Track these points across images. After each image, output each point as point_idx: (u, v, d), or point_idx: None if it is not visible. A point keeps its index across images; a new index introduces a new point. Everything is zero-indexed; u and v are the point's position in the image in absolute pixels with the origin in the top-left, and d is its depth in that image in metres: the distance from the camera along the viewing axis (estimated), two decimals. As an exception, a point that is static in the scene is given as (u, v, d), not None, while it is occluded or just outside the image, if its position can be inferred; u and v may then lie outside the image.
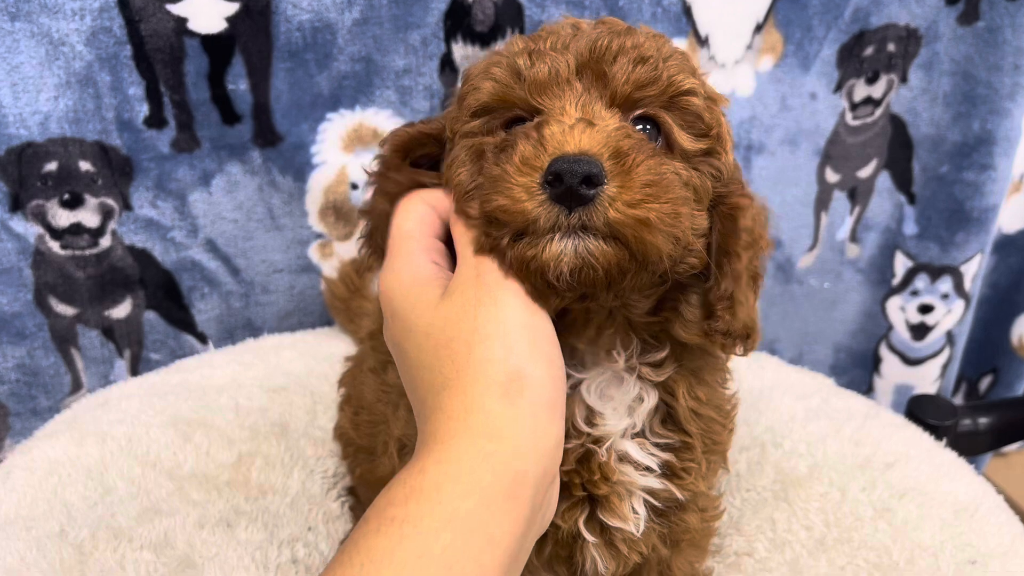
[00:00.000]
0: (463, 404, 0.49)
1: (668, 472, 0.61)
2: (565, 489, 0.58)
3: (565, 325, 0.57)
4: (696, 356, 0.62)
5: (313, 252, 1.09)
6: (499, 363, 0.50)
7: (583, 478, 0.59)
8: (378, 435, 0.74)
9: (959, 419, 1.09)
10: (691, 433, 0.61)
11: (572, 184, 0.48)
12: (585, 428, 0.59)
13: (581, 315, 0.58)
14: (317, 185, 1.04)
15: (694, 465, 0.61)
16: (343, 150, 1.03)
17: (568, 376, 0.57)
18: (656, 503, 0.61)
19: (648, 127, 0.55)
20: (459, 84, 0.60)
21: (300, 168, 1.02)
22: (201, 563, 0.76)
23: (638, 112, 0.55)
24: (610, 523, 0.60)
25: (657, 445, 0.60)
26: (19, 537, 0.75)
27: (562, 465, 0.56)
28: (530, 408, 0.49)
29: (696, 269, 0.57)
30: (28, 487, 0.81)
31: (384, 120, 1.02)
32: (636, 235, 0.50)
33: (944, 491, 0.84)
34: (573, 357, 0.59)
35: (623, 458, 0.60)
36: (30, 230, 0.97)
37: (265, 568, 0.79)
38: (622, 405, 0.59)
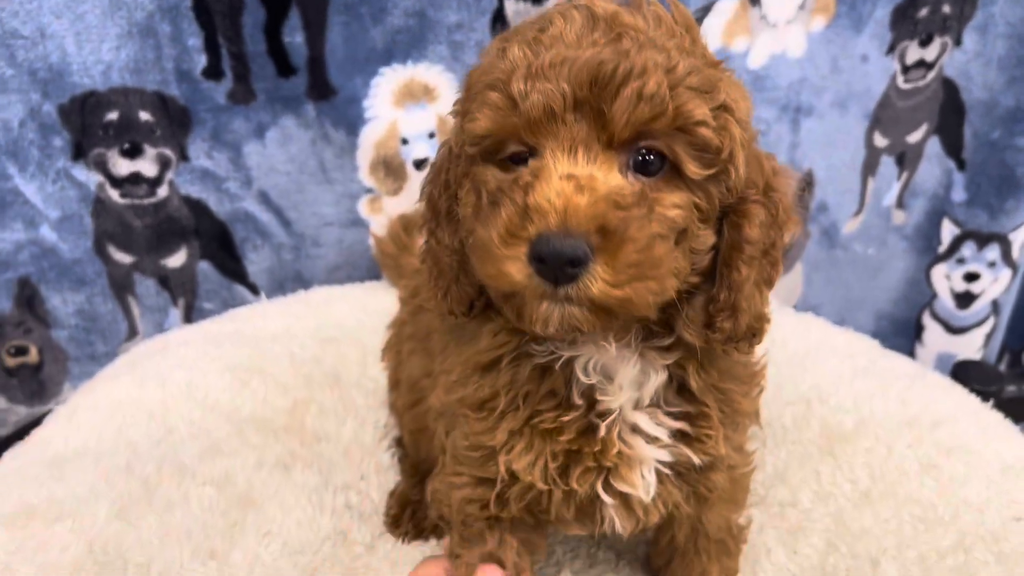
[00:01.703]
0: None
1: (686, 439, 0.61)
2: (577, 457, 0.59)
3: None
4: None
5: (363, 206, 1.10)
6: None
7: (591, 448, 0.60)
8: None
9: (1004, 385, 1.09)
10: (707, 403, 0.61)
11: (556, 265, 0.48)
12: (579, 402, 0.59)
13: None
14: (368, 140, 1.05)
15: (712, 432, 0.61)
16: (394, 105, 1.04)
17: (553, 351, 0.58)
18: (667, 470, 0.62)
19: (652, 156, 0.52)
20: (462, 89, 0.57)
21: (352, 122, 1.03)
22: (261, 501, 0.79)
23: (642, 144, 0.51)
24: (620, 489, 0.61)
25: (671, 415, 0.61)
26: (88, 470, 0.78)
27: (564, 435, 0.58)
28: None
29: (698, 283, 0.56)
30: (93, 425, 0.84)
31: (436, 75, 1.03)
32: (621, 307, 0.50)
33: (991, 450, 0.84)
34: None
35: (634, 429, 0.60)
36: (91, 178, 0.99)
37: (321, 510, 0.81)
38: (625, 381, 0.59)
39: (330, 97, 1.01)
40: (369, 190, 1.09)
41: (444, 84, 1.04)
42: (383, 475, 0.88)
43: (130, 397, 0.87)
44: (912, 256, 1.32)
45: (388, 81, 1.02)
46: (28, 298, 1.04)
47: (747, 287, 0.56)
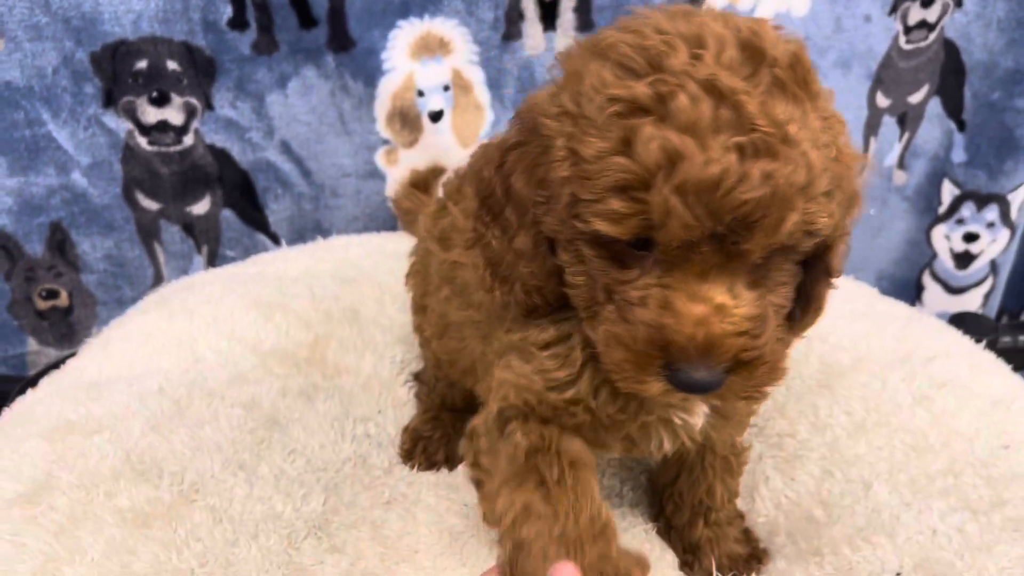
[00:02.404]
0: None
1: None
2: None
3: None
4: None
5: (380, 158, 1.14)
6: None
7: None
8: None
9: (999, 336, 1.13)
10: None
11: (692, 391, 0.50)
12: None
13: None
14: (385, 91, 1.09)
15: None
16: (411, 57, 1.08)
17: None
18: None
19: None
20: (573, 99, 0.51)
21: (371, 73, 1.07)
22: (286, 423, 0.83)
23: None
24: (681, 417, 0.63)
25: None
26: (123, 391, 0.82)
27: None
28: None
29: None
30: (126, 354, 0.88)
31: (451, 29, 1.07)
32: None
33: (982, 384, 0.87)
34: None
35: None
36: (121, 126, 1.03)
37: (342, 436, 0.86)
38: None
39: (349, 49, 1.05)
40: (386, 141, 1.13)
41: (459, 38, 1.08)
42: (400, 409, 0.92)
43: (160, 329, 0.91)
44: (913, 216, 1.35)
45: (405, 34, 1.06)
46: (59, 242, 1.08)
47: (824, 304, 0.58)
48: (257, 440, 0.80)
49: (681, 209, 0.46)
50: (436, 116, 1.12)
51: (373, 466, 0.85)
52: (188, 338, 0.90)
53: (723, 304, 0.49)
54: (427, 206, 1.08)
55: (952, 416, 0.84)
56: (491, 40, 1.09)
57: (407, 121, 1.11)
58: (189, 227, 1.12)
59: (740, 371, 0.49)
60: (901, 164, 1.31)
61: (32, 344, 1.15)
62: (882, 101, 1.25)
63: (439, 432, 0.88)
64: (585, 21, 1.10)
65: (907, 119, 1.28)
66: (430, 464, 0.87)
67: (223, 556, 0.70)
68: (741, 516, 0.83)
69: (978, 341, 1.09)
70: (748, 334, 0.49)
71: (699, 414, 0.64)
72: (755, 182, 0.46)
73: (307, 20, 1.02)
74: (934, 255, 1.38)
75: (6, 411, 0.84)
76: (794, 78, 0.49)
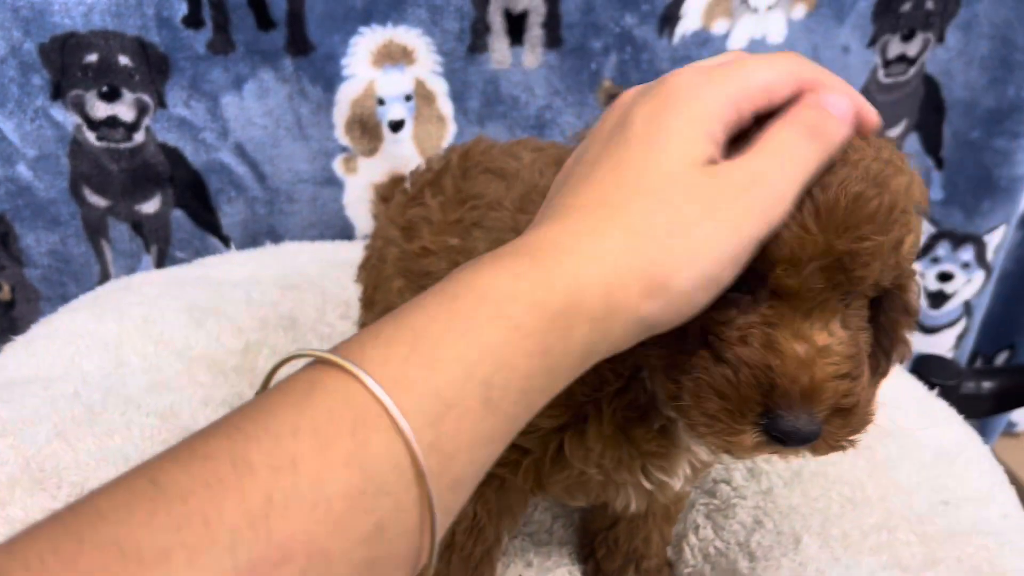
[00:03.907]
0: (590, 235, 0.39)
1: None
2: (648, 454, 0.57)
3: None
4: None
5: (338, 165, 1.12)
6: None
7: (666, 449, 0.58)
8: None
9: (963, 380, 1.10)
10: None
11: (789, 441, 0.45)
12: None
13: None
14: (345, 98, 1.06)
15: None
16: (372, 65, 1.05)
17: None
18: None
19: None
20: None
21: (330, 79, 1.05)
22: (202, 435, 0.81)
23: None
24: (660, 478, 0.59)
25: None
26: (36, 394, 0.79)
27: (644, 435, 0.55)
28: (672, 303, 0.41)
29: None
30: (48, 353, 0.86)
31: (414, 38, 1.04)
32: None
33: (929, 435, 0.84)
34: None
35: None
36: (69, 119, 1.01)
37: (262, 449, 0.83)
38: None
39: (308, 53, 1.03)
40: (344, 149, 1.11)
41: (422, 47, 1.06)
42: (333, 422, 0.89)
43: (87, 330, 0.88)
44: (887, 253, 1.32)
45: (367, 41, 1.04)
46: (3, 235, 1.06)
47: (911, 344, 0.54)
48: (168, 452, 0.77)
49: (790, 217, 0.42)
50: (397, 126, 1.09)
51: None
52: (114, 341, 0.88)
53: (826, 346, 0.45)
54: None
55: (893, 467, 0.81)
56: (456, 51, 1.07)
57: (367, 129, 1.09)
58: (138, 226, 1.09)
59: (835, 419, 0.46)
60: (877, 199, 1.28)
61: (-27, 336, 1.13)
62: (859, 134, 1.22)
63: None
64: (554, 37, 1.08)
65: (884, 154, 1.25)
66: None
67: (115, 573, 0.68)
68: (670, 564, 0.80)
69: (940, 386, 1.06)
70: (849, 376, 0.45)
71: (680, 476, 0.60)
72: (864, 177, 0.43)
73: (265, 22, 1.00)
74: (908, 293, 1.35)
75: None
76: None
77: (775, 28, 1.11)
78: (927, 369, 1.10)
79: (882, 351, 0.53)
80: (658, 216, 0.39)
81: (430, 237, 0.68)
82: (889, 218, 0.43)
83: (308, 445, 0.31)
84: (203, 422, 0.81)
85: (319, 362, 0.34)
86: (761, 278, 0.45)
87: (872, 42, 1.15)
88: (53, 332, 0.89)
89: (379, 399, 0.32)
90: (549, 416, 0.54)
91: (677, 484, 0.61)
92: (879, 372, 0.54)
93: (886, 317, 0.51)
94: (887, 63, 1.17)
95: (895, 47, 1.16)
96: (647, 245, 0.39)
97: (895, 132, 1.23)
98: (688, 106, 0.41)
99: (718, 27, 1.10)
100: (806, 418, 0.44)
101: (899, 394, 0.90)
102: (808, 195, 0.42)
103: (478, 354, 0.34)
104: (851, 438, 0.47)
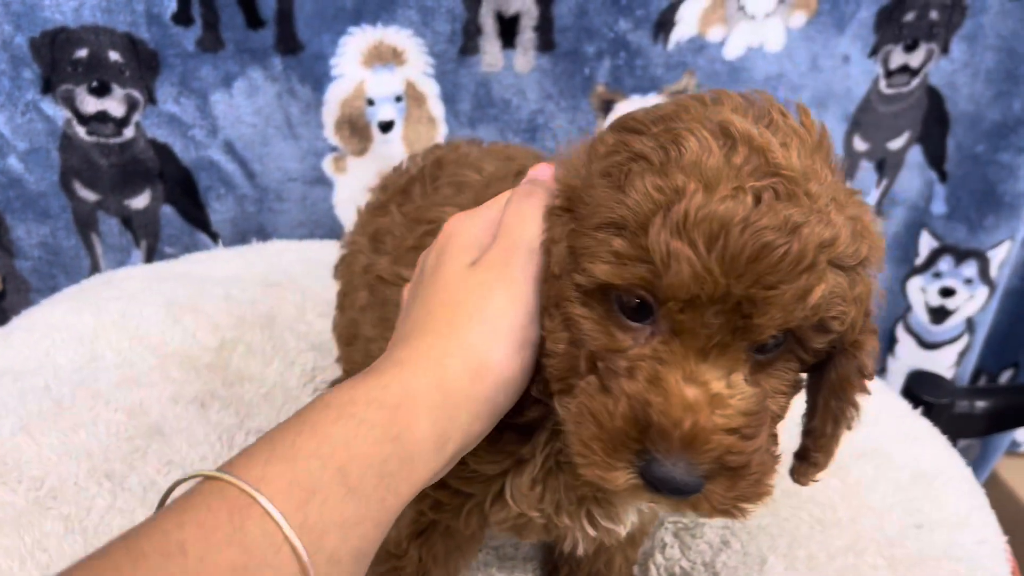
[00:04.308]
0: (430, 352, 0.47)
1: None
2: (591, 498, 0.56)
3: None
4: None
5: (327, 165, 1.12)
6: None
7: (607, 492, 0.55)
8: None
9: (956, 399, 1.07)
10: None
11: (664, 490, 0.43)
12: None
13: None
14: (334, 97, 1.06)
15: None
16: (362, 65, 1.05)
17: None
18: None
19: (776, 338, 0.44)
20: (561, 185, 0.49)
21: (319, 79, 1.05)
22: (170, 432, 0.81)
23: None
24: (605, 525, 0.57)
25: None
26: (5, 386, 0.80)
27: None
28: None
29: None
30: (24, 346, 0.86)
31: (405, 39, 1.04)
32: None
33: (907, 455, 0.82)
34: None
35: None
36: (59, 113, 1.02)
37: (231, 448, 0.82)
38: None
39: (297, 52, 1.03)
40: (334, 148, 1.11)
41: (413, 48, 1.05)
42: (304, 422, 0.89)
43: (65, 323, 0.89)
44: (888, 266, 1.30)
45: (357, 41, 1.04)
46: (-6, 226, 1.07)
47: (858, 414, 0.49)
48: (132, 448, 0.77)
49: (687, 252, 0.40)
50: (386, 126, 1.09)
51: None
52: (90, 335, 0.88)
53: (719, 393, 0.42)
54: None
55: (868, 488, 0.79)
56: (447, 53, 1.06)
57: (356, 129, 1.09)
58: (127, 221, 1.10)
59: (720, 478, 0.42)
60: (879, 211, 1.26)
61: (-35, 325, 1.14)
62: (860, 145, 1.20)
63: None
64: (546, 41, 1.07)
65: (886, 165, 1.22)
66: None
67: (69, 569, 0.68)
68: (635, 584, 0.79)
69: (933, 405, 1.04)
70: (739, 433, 0.42)
71: (627, 523, 0.58)
72: (776, 225, 0.40)
73: (254, 20, 1.00)
74: (908, 307, 1.33)
75: None
76: (814, 139, 0.45)
77: (773, 36, 1.10)
78: (919, 386, 1.08)
79: (829, 416, 0.49)
80: (458, 315, 0.47)
81: (387, 265, 0.67)
82: (796, 268, 0.40)
83: (192, 533, 0.36)
84: (171, 419, 0.82)
85: (203, 480, 0.39)
86: (658, 310, 0.43)
87: (874, 52, 1.12)
88: (32, 325, 0.90)
89: (247, 492, 0.37)
90: (491, 463, 0.54)
91: (623, 531, 0.58)
92: (818, 447, 0.49)
93: (837, 376, 0.48)
94: (889, 73, 1.14)
95: (898, 57, 1.13)
96: (459, 343, 0.46)
97: (897, 144, 1.20)
98: (455, 240, 0.51)
99: (714, 34, 1.08)
100: (684, 467, 0.41)
101: (879, 413, 0.87)
102: (725, 235, 0.40)
103: (330, 448, 0.40)
104: (740, 505, 0.44)
